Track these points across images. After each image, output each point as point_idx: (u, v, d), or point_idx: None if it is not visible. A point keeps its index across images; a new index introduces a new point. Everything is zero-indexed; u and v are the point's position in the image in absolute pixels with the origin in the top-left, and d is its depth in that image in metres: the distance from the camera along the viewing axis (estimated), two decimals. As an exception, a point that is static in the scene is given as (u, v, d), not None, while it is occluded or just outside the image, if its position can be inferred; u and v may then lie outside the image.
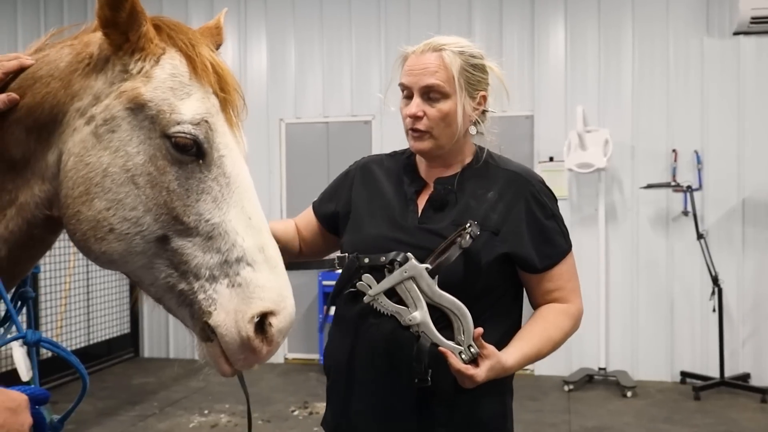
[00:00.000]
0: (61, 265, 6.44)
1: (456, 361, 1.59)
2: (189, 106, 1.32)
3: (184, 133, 1.29)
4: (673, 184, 6.33)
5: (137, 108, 1.31)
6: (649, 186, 6.32)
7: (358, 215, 1.90)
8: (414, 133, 1.80)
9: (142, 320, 7.57)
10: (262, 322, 1.30)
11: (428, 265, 1.62)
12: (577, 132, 6.19)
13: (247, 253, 1.31)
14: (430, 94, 1.77)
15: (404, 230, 1.79)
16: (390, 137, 7.06)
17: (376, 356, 1.73)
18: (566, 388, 6.19)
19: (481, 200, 1.80)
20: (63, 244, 6.48)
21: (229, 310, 1.29)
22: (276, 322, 1.30)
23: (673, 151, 6.52)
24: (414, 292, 1.60)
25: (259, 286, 1.30)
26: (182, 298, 1.33)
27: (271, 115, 7.38)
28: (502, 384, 1.80)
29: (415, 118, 1.78)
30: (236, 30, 7.48)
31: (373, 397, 1.76)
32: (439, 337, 1.61)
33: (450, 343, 1.61)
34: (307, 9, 7.34)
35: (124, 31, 1.31)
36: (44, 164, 1.36)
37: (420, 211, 1.84)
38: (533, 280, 1.83)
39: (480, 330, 1.60)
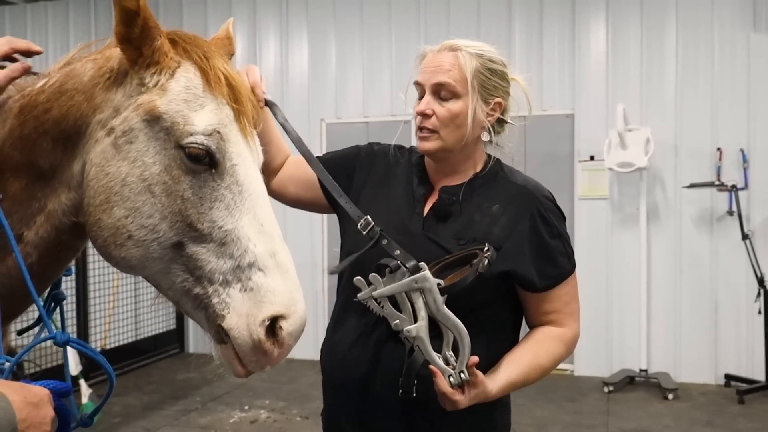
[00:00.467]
0: (109, 267, 6.64)
1: (444, 384, 1.55)
2: (202, 118, 1.37)
3: (196, 143, 1.35)
4: (717, 183, 6.20)
5: (153, 120, 1.36)
6: (693, 185, 6.21)
7: (363, 209, 1.83)
8: (421, 132, 1.76)
9: (187, 317, 7.73)
10: (273, 325, 1.35)
11: (441, 282, 1.56)
12: (617, 131, 6.12)
13: (259, 259, 1.36)
14: (441, 92, 1.73)
15: (409, 235, 1.74)
16: (429, 137, 7.09)
17: (364, 362, 1.73)
18: (606, 389, 6.13)
19: (485, 214, 1.75)
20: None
21: (241, 314, 1.35)
22: (286, 326, 1.34)
23: (718, 149, 6.38)
24: (418, 303, 1.55)
25: (270, 290, 1.35)
26: (198, 302, 1.39)
27: (312, 115, 7.48)
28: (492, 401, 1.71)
29: (424, 116, 1.74)
30: (278, 31, 7.60)
31: (357, 403, 1.76)
32: (433, 356, 1.56)
33: (441, 363, 1.57)
34: (348, 10, 7.40)
35: (138, 46, 1.37)
36: (70, 173, 1.43)
37: (425, 215, 1.79)
38: (531, 299, 1.77)
39: (475, 359, 1.56)
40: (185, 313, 1.45)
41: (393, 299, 1.58)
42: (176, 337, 7.73)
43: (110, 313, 6.83)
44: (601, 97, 6.71)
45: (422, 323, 1.55)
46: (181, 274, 1.39)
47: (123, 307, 6.94)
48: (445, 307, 1.55)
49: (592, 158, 6.67)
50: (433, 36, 7.08)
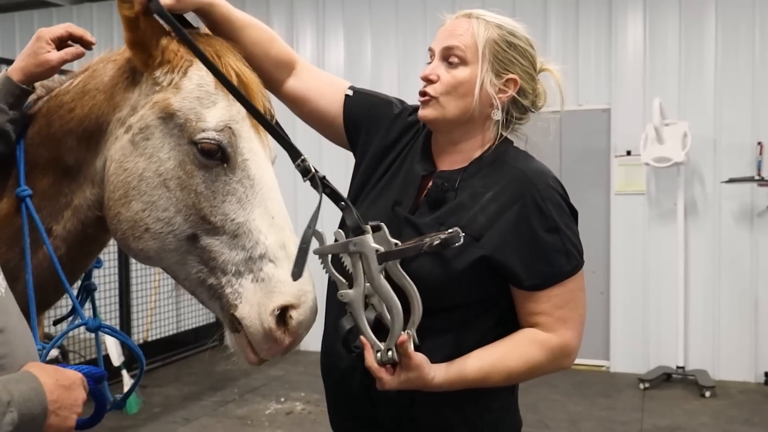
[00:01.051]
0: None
1: (370, 358, 1.43)
2: (213, 114, 1.43)
3: (208, 139, 1.41)
4: (757, 178, 6.09)
5: (167, 117, 1.43)
6: (732, 180, 6.11)
7: (364, 182, 1.75)
8: (422, 97, 1.63)
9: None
10: (283, 315, 1.40)
11: (379, 248, 1.43)
12: (653, 125, 6.05)
13: (270, 250, 1.41)
14: (450, 58, 1.61)
15: (395, 216, 1.63)
16: (464, 132, 7.10)
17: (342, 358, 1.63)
18: (641, 386, 6.08)
19: (477, 201, 1.58)
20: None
21: (252, 304, 1.40)
22: (296, 315, 1.40)
23: (759, 143, 6.25)
24: (357, 269, 1.44)
25: (281, 281, 1.40)
26: (212, 292, 1.45)
27: (347, 112, 7.53)
28: (464, 397, 1.59)
29: (428, 81, 1.62)
30: (315, 28, 7.68)
31: (336, 392, 1.74)
32: (365, 326, 1.44)
33: (372, 335, 1.45)
34: (383, 5, 7.44)
35: (146, 48, 1.44)
36: (93, 170, 1.52)
37: (420, 200, 1.66)
38: (518, 296, 1.59)
39: (404, 338, 1.40)
40: (202, 303, 1.50)
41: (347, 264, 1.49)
42: (215, 330, 7.86)
43: (152, 306, 7.02)
44: (638, 91, 6.62)
45: (359, 289, 1.44)
46: (196, 265, 1.45)
47: (164, 300, 7.12)
48: (382, 277, 1.42)
49: (628, 153, 6.60)
50: (467, 31, 7.09)
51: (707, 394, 5.86)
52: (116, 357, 5.50)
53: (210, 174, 1.43)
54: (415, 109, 1.74)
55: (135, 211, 1.43)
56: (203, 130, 1.42)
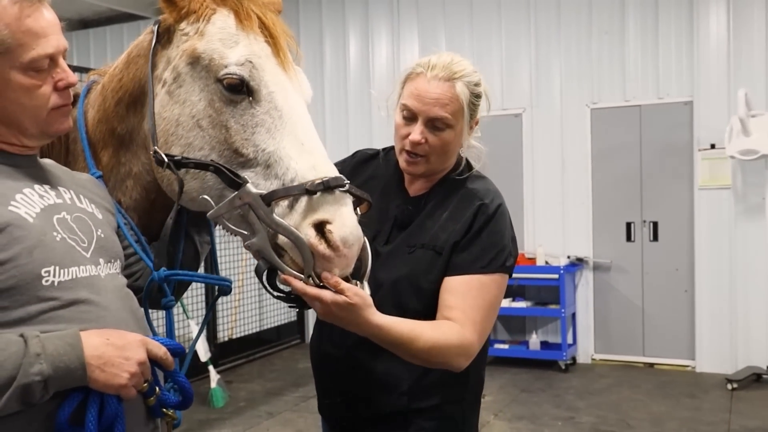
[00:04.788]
0: (235, 264, 7.07)
1: (300, 285, 1.43)
2: (235, 51, 1.50)
3: (230, 74, 1.48)
4: None
5: (194, 61, 1.52)
6: (825, 172, 5.84)
7: None
8: (410, 156, 1.79)
9: (308, 309, 8.08)
10: (322, 230, 1.40)
11: (261, 192, 1.45)
12: (738, 117, 5.84)
13: (300, 173, 1.44)
14: (436, 123, 1.75)
15: (374, 250, 1.70)
16: (540, 130, 7.05)
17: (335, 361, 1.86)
18: (729, 386, 5.89)
19: (437, 220, 1.80)
20: (235, 240, 7.10)
21: (290, 224, 1.42)
22: (335, 229, 1.40)
23: None
24: (251, 218, 1.45)
25: (314, 201, 1.42)
26: (254, 226, 1.46)
27: (423, 112, 7.57)
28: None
29: (416, 144, 1.76)
30: (390, 30, 7.76)
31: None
32: (281, 263, 1.45)
33: (292, 270, 1.45)
34: (457, 5, 7.46)
35: (175, 2, 1.53)
36: (143, 134, 1.61)
37: (390, 229, 1.85)
38: (443, 287, 1.74)
39: (328, 275, 1.43)
40: (245, 241, 1.47)
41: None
42: (297, 328, 8.09)
43: (236, 305, 7.27)
44: (722, 82, 6.40)
45: (261, 234, 1.45)
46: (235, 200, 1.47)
47: (248, 299, 7.36)
48: (275, 215, 1.44)
49: (713, 146, 6.39)
50: (543, 31, 7.03)
51: (801, 395, 5.62)
52: (203, 353, 5.73)
53: (237, 109, 1.49)
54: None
55: (179, 144, 1.51)
56: (225, 66, 1.48)
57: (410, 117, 1.77)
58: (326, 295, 1.44)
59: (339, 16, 7.97)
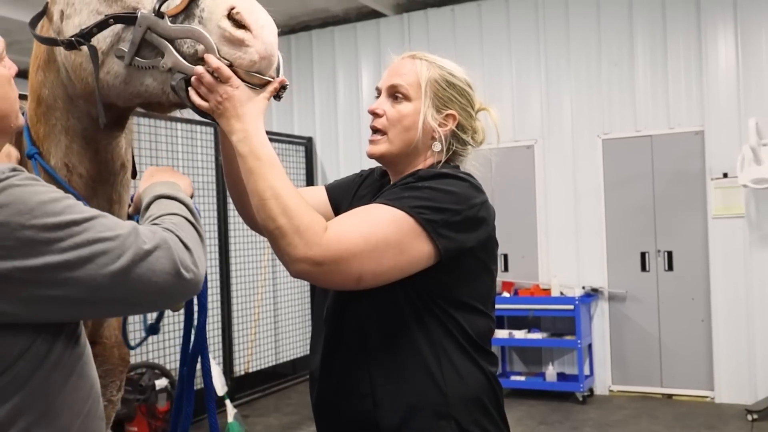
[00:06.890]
0: (251, 297, 7.12)
1: (213, 60, 1.40)
2: None
3: None
4: None
5: None
6: (839, 199, 5.83)
7: None
8: (372, 135, 1.81)
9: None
10: (238, 22, 1.38)
11: (155, 6, 1.43)
12: (750, 146, 5.87)
13: None
14: (395, 94, 1.78)
15: None
16: (553, 161, 7.09)
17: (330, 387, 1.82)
18: (749, 417, 5.82)
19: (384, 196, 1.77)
20: (251, 276, 7.18)
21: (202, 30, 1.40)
22: (242, 10, 1.37)
23: None
24: (156, 40, 1.43)
25: None
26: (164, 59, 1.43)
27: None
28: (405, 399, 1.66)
29: (375, 115, 1.79)
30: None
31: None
32: (185, 63, 1.43)
33: (201, 66, 1.42)
34: (468, 39, 7.55)
35: None
36: (61, 83, 1.63)
37: None
38: None
39: (209, 56, 1.41)
40: (160, 68, 1.44)
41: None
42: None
43: (252, 339, 7.30)
44: (732, 112, 6.44)
45: (168, 48, 1.43)
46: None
47: (264, 333, 7.40)
48: (169, 23, 1.42)
49: (725, 175, 6.41)
50: (552, 61, 7.11)
51: (822, 426, 5.55)
52: (220, 387, 5.76)
53: None
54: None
55: (74, 25, 1.51)
56: None
57: (378, 96, 1.83)
58: (198, 69, 1.41)
59: (352, 50, 8.12)
